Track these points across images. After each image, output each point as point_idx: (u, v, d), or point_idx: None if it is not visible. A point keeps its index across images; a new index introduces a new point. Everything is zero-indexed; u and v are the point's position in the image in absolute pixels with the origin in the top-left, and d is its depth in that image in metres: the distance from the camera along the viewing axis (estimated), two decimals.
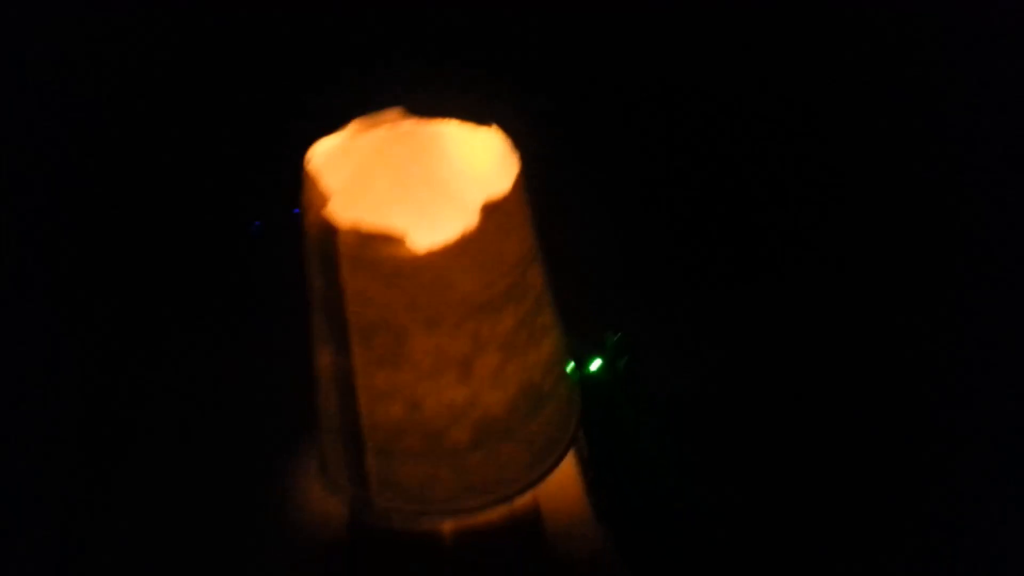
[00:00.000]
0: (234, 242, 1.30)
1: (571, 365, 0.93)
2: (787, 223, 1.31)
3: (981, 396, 1.05)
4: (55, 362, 1.15)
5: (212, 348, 1.14)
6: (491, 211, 0.70)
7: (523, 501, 0.89)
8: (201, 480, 1.03)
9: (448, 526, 0.87)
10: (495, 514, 0.88)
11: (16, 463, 1.04)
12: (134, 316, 1.19)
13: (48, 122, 1.35)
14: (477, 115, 0.79)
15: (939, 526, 0.94)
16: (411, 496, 0.85)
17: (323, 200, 0.71)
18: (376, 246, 0.69)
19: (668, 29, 1.41)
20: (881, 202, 1.34)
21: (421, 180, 0.82)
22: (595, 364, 1.02)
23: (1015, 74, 1.25)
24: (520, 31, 1.43)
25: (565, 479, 0.93)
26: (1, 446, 1.06)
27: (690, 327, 1.14)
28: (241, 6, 1.44)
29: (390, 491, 0.85)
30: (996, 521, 0.93)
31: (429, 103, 0.80)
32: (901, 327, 1.13)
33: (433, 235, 0.70)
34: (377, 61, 1.35)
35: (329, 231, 0.70)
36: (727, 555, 0.91)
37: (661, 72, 1.42)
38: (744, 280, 1.23)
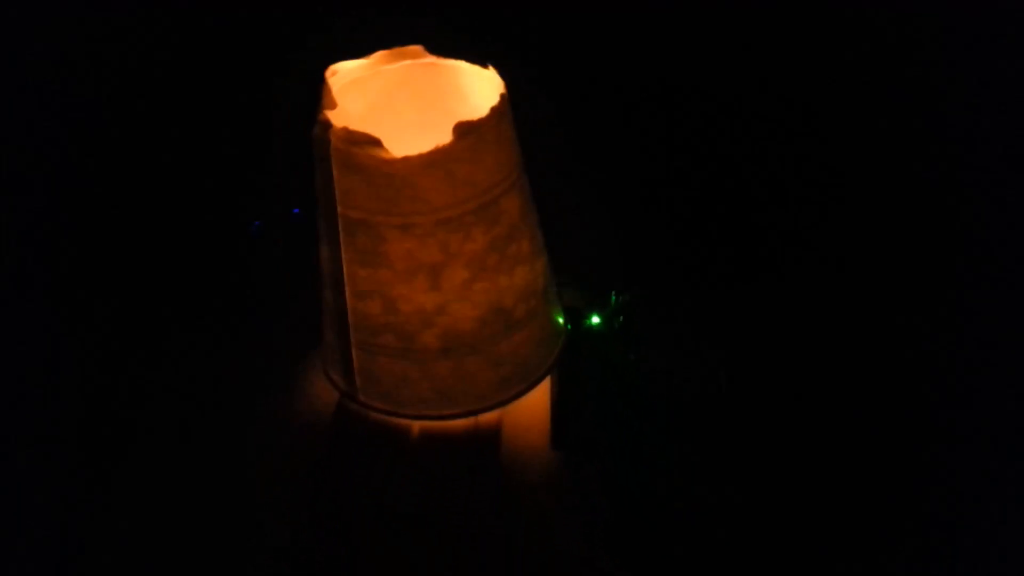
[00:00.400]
0: (234, 242, 1.29)
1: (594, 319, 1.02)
2: (787, 223, 1.30)
3: (981, 396, 1.03)
4: (55, 362, 1.15)
5: (212, 347, 1.13)
6: (463, 133, 0.79)
7: (488, 419, 0.97)
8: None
9: (416, 426, 0.96)
10: (460, 425, 0.96)
11: (16, 463, 1.04)
12: (134, 316, 1.19)
13: (48, 122, 1.35)
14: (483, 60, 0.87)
15: (939, 526, 0.92)
16: (387, 396, 0.95)
17: (330, 106, 0.82)
18: (361, 150, 0.79)
19: (671, 26, 1.41)
20: (881, 202, 1.31)
21: (437, 107, 0.91)
22: (595, 319, 1.07)
23: (1015, 74, 1.20)
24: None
25: (533, 411, 1.00)
26: (1, 446, 1.06)
27: (690, 326, 1.15)
28: (241, 6, 1.45)
29: (370, 388, 0.95)
30: (996, 521, 0.92)
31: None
32: (901, 327, 1.11)
33: None
34: None
35: (327, 134, 0.80)
36: (716, 546, 0.93)
37: (662, 70, 1.42)
38: (744, 279, 1.23)
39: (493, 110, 0.80)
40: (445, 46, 0.89)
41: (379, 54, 0.89)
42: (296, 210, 1.23)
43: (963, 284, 1.14)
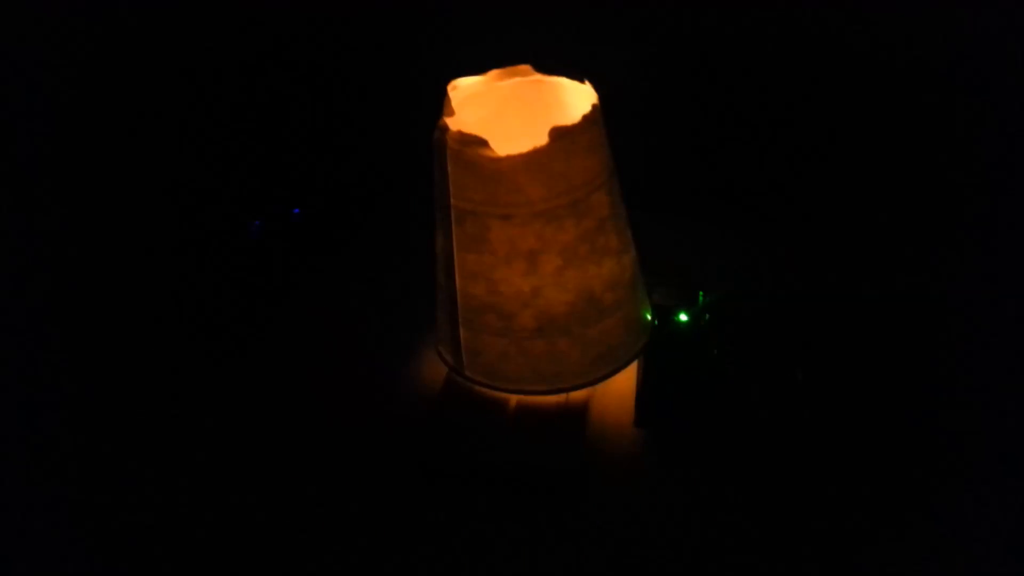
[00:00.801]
0: (234, 242, 1.30)
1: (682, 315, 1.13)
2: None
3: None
4: (55, 362, 1.16)
5: (212, 347, 1.15)
6: (558, 136, 0.92)
7: (577, 396, 1.09)
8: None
9: (513, 399, 1.09)
10: (552, 400, 1.09)
11: (16, 463, 1.05)
12: (133, 316, 1.20)
13: (47, 122, 1.33)
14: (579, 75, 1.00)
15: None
16: (488, 371, 1.09)
17: (449, 113, 0.97)
18: (471, 149, 0.94)
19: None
20: (882, 201, 1.34)
21: (541, 118, 1.03)
22: (683, 316, 1.18)
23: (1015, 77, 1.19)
24: None
25: (621, 393, 1.11)
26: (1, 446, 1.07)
27: (772, 326, 1.20)
28: (243, 5, 1.44)
29: (474, 363, 1.09)
30: (996, 516, 0.94)
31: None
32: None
33: None
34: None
35: (444, 135, 0.96)
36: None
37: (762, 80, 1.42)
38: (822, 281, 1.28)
39: (585, 118, 0.92)
40: (550, 63, 1.02)
41: (493, 72, 1.03)
42: (296, 210, 1.29)
43: (962, 282, 1.17)
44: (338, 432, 1.09)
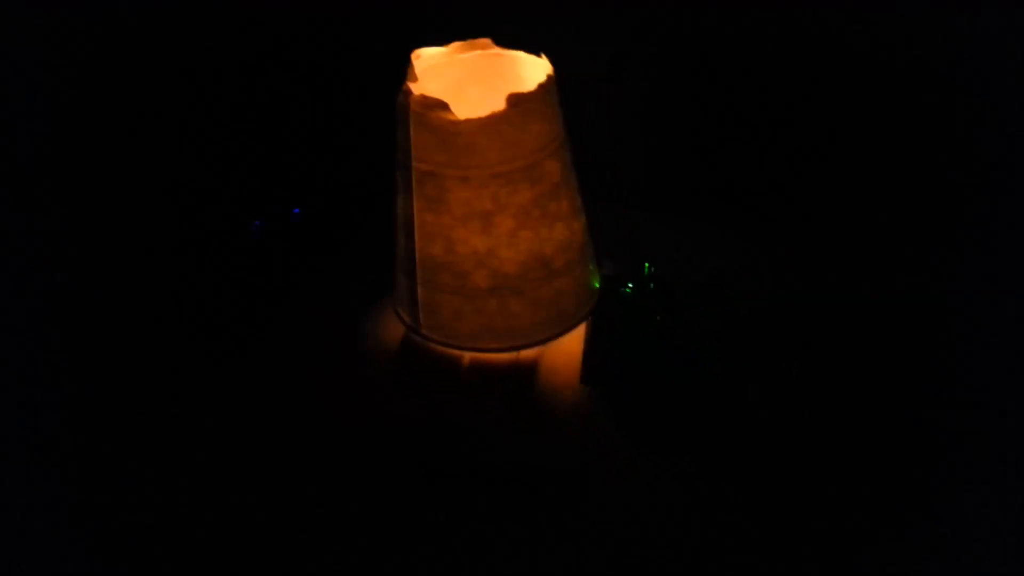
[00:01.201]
0: (234, 242, 1.31)
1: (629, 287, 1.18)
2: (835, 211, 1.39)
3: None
4: (55, 362, 1.16)
5: (211, 347, 1.15)
6: (515, 103, 0.98)
7: (528, 355, 1.15)
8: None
9: (467, 357, 1.15)
10: (503, 358, 1.15)
11: (16, 463, 1.06)
12: (133, 316, 1.20)
13: (48, 122, 1.34)
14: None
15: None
16: (444, 330, 1.14)
17: (413, 79, 1.03)
18: (433, 112, 0.99)
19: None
20: (882, 201, 1.40)
21: (500, 90, 1.06)
22: (629, 285, 1.25)
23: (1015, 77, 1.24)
24: None
25: (570, 353, 1.17)
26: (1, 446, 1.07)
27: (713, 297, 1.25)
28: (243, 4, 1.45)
29: (431, 322, 1.14)
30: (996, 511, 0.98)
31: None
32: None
33: None
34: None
35: (408, 99, 1.01)
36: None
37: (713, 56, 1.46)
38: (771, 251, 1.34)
39: (540, 86, 0.99)
40: (509, 38, 1.07)
41: (455, 45, 1.09)
42: (296, 210, 1.32)
43: (963, 282, 1.22)
44: (326, 415, 1.14)
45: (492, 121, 0.97)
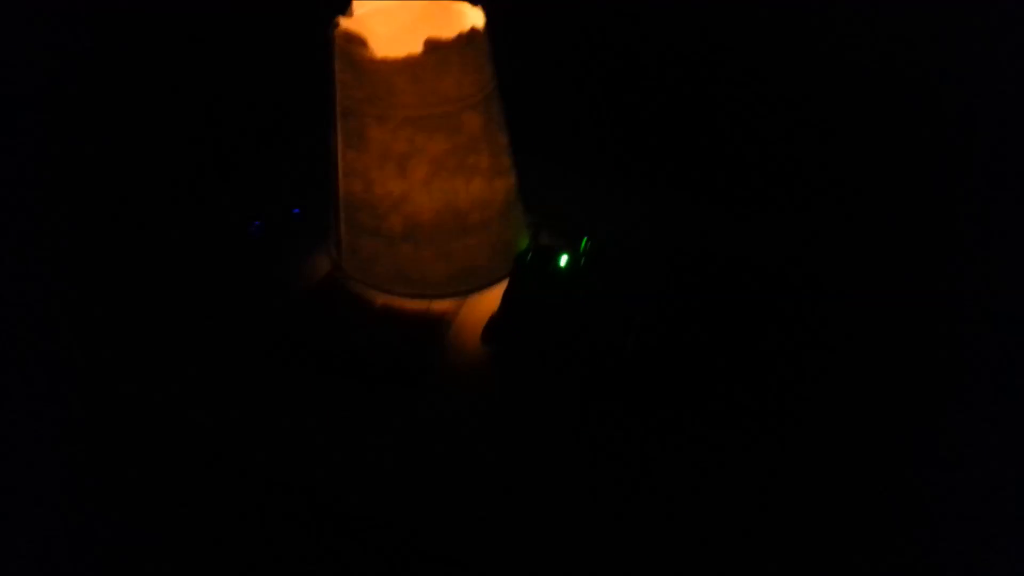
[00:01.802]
0: (234, 242, 1.30)
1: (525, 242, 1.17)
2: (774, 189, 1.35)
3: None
4: (54, 361, 1.16)
5: (211, 347, 1.15)
6: (432, 49, 0.99)
7: (440, 306, 1.16)
8: None
9: (380, 299, 1.17)
10: (414, 305, 1.16)
11: (16, 462, 1.06)
12: (133, 316, 1.19)
13: (48, 122, 1.34)
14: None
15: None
16: (361, 269, 1.16)
17: (348, 13, 1.05)
18: (353, 48, 1.01)
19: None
20: (881, 199, 1.35)
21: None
22: (563, 259, 1.24)
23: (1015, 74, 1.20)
24: None
25: (483, 308, 1.18)
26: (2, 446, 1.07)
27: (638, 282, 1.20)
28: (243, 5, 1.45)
29: (351, 260, 1.17)
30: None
31: None
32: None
33: None
34: None
35: (334, 32, 1.03)
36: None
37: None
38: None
39: (460, 36, 0.99)
40: None
41: None
42: (296, 210, 1.31)
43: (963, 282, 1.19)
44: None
45: (408, 63, 0.98)
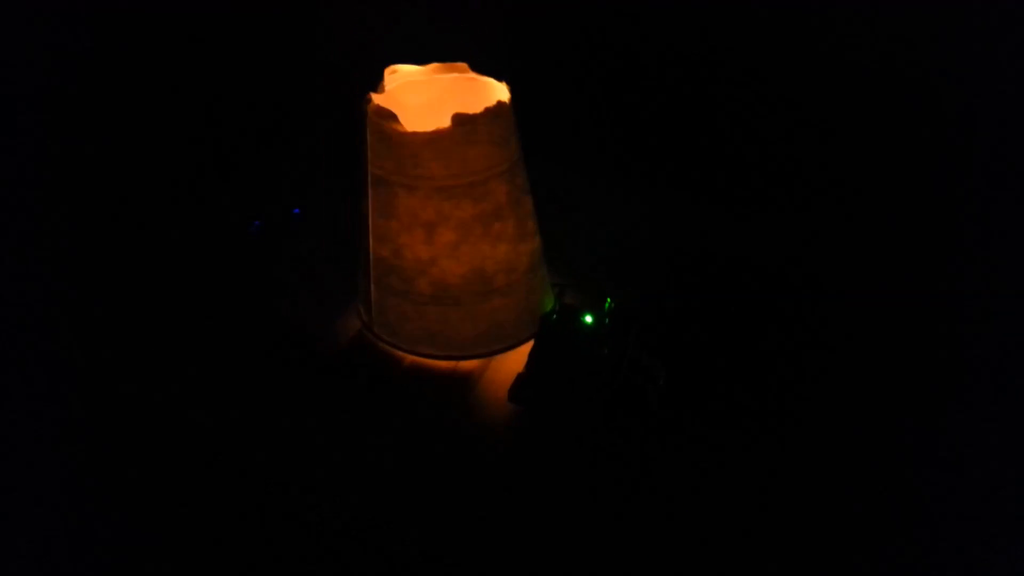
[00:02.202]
0: (234, 242, 1.31)
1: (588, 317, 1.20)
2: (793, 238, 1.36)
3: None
4: (54, 361, 1.16)
5: (211, 347, 1.16)
6: (460, 123, 1.04)
7: (466, 366, 1.20)
8: None
9: (408, 359, 1.21)
10: (442, 366, 1.20)
11: (15, 462, 1.06)
12: (133, 316, 1.20)
13: (48, 122, 1.34)
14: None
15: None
16: (391, 330, 1.21)
17: (380, 90, 1.11)
18: (385, 122, 1.07)
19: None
20: (881, 199, 1.36)
21: (473, 111, 1.15)
22: (588, 318, 1.28)
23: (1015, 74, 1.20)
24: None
25: (509, 367, 1.21)
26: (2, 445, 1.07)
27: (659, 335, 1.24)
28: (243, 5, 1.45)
29: (380, 320, 1.21)
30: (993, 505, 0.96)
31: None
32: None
33: None
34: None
35: (367, 107, 1.09)
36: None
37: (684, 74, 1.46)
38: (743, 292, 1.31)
39: (487, 110, 1.04)
40: (486, 64, 1.13)
41: (433, 65, 1.16)
42: (296, 210, 1.33)
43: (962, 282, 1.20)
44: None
45: (436, 136, 1.03)
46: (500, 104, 1.06)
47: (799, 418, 1.08)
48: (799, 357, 1.17)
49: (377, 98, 1.08)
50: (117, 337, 1.18)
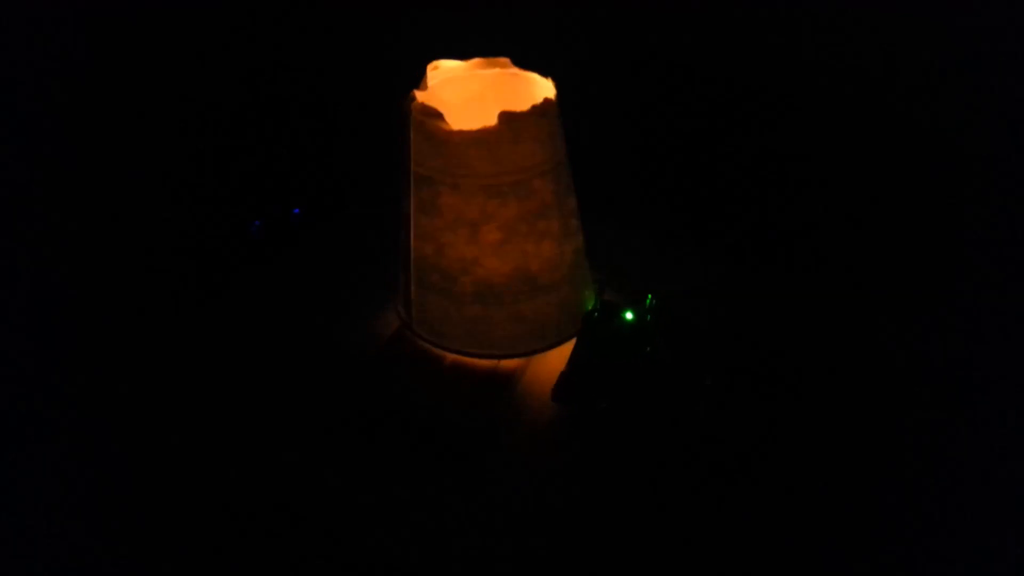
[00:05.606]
0: (234, 242, 1.31)
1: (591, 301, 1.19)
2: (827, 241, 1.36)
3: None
4: (54, 361, 1.16)
5: (211, 347, 1.16)
6: (506, 121, 1.02)
7: (508, 364, 1.19)
8: None
9: (449, 358, 1.20)
10: (483, 365, 1.19)
11: (15, 462, 1.06)
12: (133, 316, 1.20)
13: (48, 122, 1.33)
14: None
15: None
16: (431, 328, 1.20)
17: (423, 87, 1.09)
18: (429, 120, 1.05)
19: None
20: (882, 198, 1.36)
21: (515, 107, 1.12)
22: (629, 314, 1.26)
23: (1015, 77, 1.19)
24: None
25: (551, 366, 1.20)
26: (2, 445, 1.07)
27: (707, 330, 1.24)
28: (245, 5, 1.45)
29: (421, 319, 1.20)
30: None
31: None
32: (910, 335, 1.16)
33: None
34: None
35: (410, 105, 1.07)
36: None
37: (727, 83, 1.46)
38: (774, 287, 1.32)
39: (533, 108, 1.03)
40: (529, 57, 1.11)
41: (476, 60, 1.14)
42: (296, 210, 1.32)
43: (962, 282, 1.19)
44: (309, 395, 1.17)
45: (483, 135, 1.01)
46: (547, 101, 1.04)
47: (799, 418, 1.08)
48: (799, 357, 1.17)
49: (421, 96, 1.06)
50: (117, 337, 1.18)
